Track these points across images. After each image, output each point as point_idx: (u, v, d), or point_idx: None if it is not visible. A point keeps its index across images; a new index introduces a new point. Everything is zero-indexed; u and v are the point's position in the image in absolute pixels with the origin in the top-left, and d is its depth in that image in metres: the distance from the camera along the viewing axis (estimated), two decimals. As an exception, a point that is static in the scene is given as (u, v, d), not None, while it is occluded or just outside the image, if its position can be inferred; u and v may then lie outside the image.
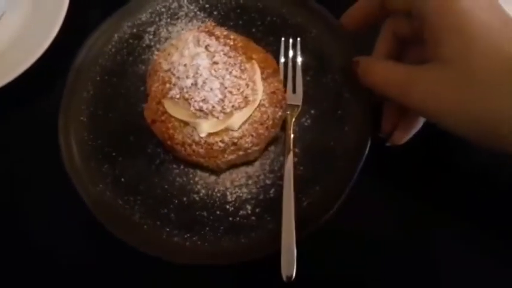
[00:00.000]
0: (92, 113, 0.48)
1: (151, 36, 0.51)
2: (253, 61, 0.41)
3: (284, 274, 0.37)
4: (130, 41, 0.51)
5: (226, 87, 0.38)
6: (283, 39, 0.49)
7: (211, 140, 0.41)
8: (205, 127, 0.40)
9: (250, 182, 0.45)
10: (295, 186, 0.42)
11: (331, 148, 0.46)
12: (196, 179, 0.45)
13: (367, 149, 0.44)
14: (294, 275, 0.37)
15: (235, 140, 0.41)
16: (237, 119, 0.40)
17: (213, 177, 0.45)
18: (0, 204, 0.47)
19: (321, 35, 0.49)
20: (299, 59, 0.49)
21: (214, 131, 0.40)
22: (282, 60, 0.49)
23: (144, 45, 0.51)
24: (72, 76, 0.48)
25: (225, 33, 0.41)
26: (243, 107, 0.39)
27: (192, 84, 0.38)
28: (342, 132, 0.46)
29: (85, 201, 0.43)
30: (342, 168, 0.45)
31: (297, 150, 0.46)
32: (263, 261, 0.39)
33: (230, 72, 0.38)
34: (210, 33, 0.40)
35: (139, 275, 0.44)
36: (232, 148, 0.42)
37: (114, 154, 0.46)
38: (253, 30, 0.51)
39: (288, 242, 0.38)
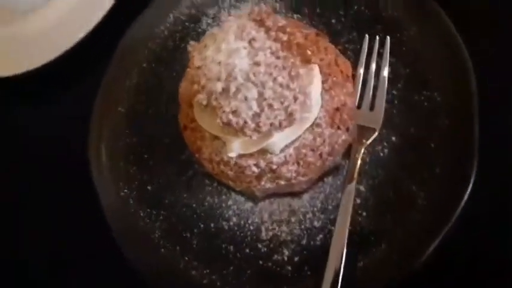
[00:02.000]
0: (132, 106, 0.42)
1: (209, 20, 0.43)
2: (313, 65, 0.30)
3: None
4: (187, 23, 0.44)
5: (265, 99, 0.28)
6: (367, 36, 0.37)
7: (242, 162, 0.32)
8: (236, 146, 0.31)
9: (293, 219, 0.36)
10: (351, 239, 0.32)
11: (411, 194, 0.33)
12: (230, 202, 0.37)
13: (462, 204, 0.31)
14: None
15: (274, 167, 0.32)
16: (278, 141, 0.30)
17: (249, 204, 0.37)
18: (17, 189, 0.45)
19: (421, 36, 0.36)
20: (386, 67, 0.36)
21: (246, 152, 0.31)
22: (362, 65, 0.37)
23: (199, 29, 0.43)
24: (117, 60, 0.42)
25: (280, 24, 0.31)
26: (286, 127, 0.29)
27: (222, 89, 0.29)
28: (431, 174, 0.33)
29: (103, 205, 0.37)
30: (422, 224, 0.32)
31: (362, 188, 0.35)
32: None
33: (274, 79, 0.28)
34: (261, 23, 0.31)
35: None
36: (269, 175, 0.32)
37: (145, 156, 0.40)
38: (333, 21, 0.40)
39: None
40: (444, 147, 0.34)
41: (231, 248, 0.36)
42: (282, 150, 0.32)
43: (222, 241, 0.36)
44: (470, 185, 0.32)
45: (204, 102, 0.30)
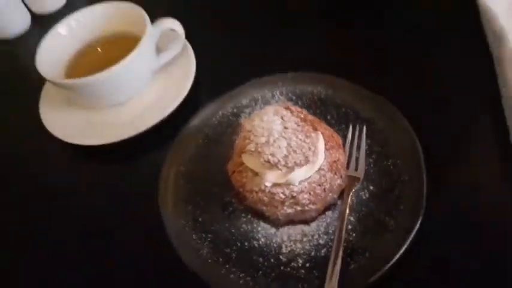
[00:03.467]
0: (190, 166, 0.60)
1: (246, 115, 0.64)
2: (318, 132, 0.50)
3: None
4: (231, 117, 0.64)
5: (291, 147, 0.47)
6: (351, 125, 0.58)
7: (274, 190, 0.49)
8: (271, 177, 0.48)
9: (305, 239, 0.51)
10: (346, 250, 0.48)
11: (384, 222, 0.50)
12: (259, 228, 0.52)
13: (417, 227, 0.47)
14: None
15: (294, 194, 0.48)
16: (297, 175, 0.48)
17: (273, 230, 0.52)
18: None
19: (386, 127, 0.57)
20: (364, 143, 0.56)
21: (277, 181, 0.48)
22: (349, 140, 0.57)
23: (240, 121, 0.64)
24: (180, 137, 0.62)
25: (299, 109, 0.51)
26: (303, 165, 0.47)
27: (265, 141, 0.47)
28: (397, 211, 0.50)
29: (168, 234, 0.52)
30: (392, 241, 0.48)
31: (351, 218, 0.51)
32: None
33: (297, 136, 0.47)
34: (287, 109, 0.51)
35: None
36: (291, 201, 0.49)
37: (198, 199, 0.56)
38: (328, 117, 0.60)
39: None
40: (404, 194, 0.51)
41: (260, 259, 0.50)
42: (299, 183, 0.49)
43: (253, 254, 0.50)
44: (421, 217, 0.48)
45: (253, 149, 0.48)
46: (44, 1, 0.95)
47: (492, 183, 0.53)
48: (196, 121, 0.63)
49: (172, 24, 0.66)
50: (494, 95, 0.60)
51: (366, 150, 0.56)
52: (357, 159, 0.55)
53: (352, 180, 0.53)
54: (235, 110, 0.65)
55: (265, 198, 0.49)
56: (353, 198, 0.52)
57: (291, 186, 0.49)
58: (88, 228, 0.59)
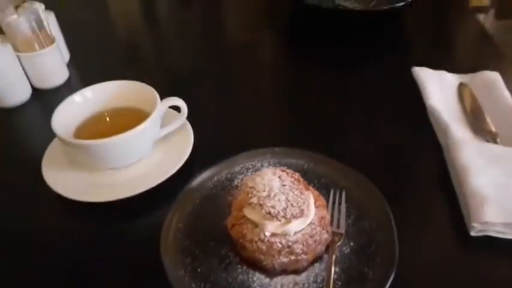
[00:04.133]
0: (189, 222, 0.66)
1: (239, 180, 0.73)
2: (309, 191, 0.59)
3: None
4: (225, 182, 0.72)
5: (289, 201, 0.55)
6: (332, 191, 0.68)
7: (272, 239, 0.56)
8: (270, 227, 0.55)
9: (296, 287, 0.56)
10: None
11: (364, 272, 0.57)
12: (255, 278, 0.58)
13: (392, 277, 0.55)
14: None
15: (290, 243, 0.56)
16: (293, 226, 0.56)
17: (267, 279, 0.58)
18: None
19: (362, 197, 0.67)
20: (344, 205, 0.66)
21: (276, 231, 0.56)
22: (331, 203, 0.66)
23: (233, 185, 0.72)
24: (179, 199, 0.68)
25: (293, 172, 0.61)
26: (299, 217, 0.55)
27: (266, 195, 0.56)
28: (374, 262, 0.58)
29: (170, 280, 0.57)
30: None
31: (337, 269, 0.58)
32: None
33: (293, 192, 0.56)
34: (283, 171, 0.61)
35: None
36: (286, 250, 0.56)
37: (197, 251, 0.62)
38: (311, 185, 0.70)
39: None
40: (380, 249, 0.60)
41: (256, 307, 0.55)
42: (294, 234, 0.56)
43: (250, 303, 0.55)
44: (395, 268, 0.57)
45: (255, 202, 0.56)
46: (44, 77, 1.03)
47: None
48: (194, 184, 0.71)
49: (178, 102, 0.77)
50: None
51: (345, 212, 0.65)
52: (338, 219, 0.64)
53: (335, 235, 0.61)
54: (229, 176, 0.73)
55: (263, 247, 0.56)
56: (337, 252, 0.60)
57: (287, 237, 0.56)
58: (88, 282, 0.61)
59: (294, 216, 0.55)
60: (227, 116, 0.93)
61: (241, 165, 0.75)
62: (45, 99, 1.02)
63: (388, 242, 0.60)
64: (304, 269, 0.58)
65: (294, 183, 0.58)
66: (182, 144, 0.76)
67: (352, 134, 0.86)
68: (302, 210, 0.55)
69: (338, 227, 0.63)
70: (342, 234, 0.62)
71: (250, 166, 0.75)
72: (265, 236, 0.56)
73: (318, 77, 1.04)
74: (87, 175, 0.73)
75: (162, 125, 0.77)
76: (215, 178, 0.73)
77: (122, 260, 0.63)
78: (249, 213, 0.58)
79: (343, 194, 0.68)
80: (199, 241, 0.63)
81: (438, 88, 0.91)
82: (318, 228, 0.58)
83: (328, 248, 0.60)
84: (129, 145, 0.70)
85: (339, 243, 0.61)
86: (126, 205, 0.69)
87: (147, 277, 0.60)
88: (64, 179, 0.72)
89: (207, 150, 0.81)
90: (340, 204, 0.66)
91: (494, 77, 0.91)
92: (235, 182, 0.73)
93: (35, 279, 0.62)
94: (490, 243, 0.63)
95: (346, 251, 0.60)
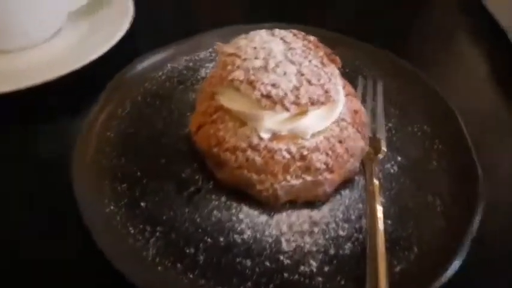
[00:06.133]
0: (122, 131, 0.39)
1: (208, 71, 0.46)
2: (333, 64, 0.33)
3: None
4: (184, 72, 0.46)
5: (303, 74, 0.29)
6: (360, 78, 0.43)
7: (273, 145, 0.30)
8: (270, 122, 0.30)
9: (316, 229, 0.32)
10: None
11: (429, 203, 0.34)
12: (241, 216, 0.33)
13: (481, 207, 0.32)
14: None
15: (305, 152, 0.30)
16: (312, 121, 0.30)
17: (263, 218, 0.33)
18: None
19: (404, 88, 0.43)
20: (381, 100, 0.41)
21: (280, 131, 0.30)
22: (359, 97, 0.41)
23: (199, 76, 0.45)
24: (108, 91, 0.41)
25: (304, 34, 0.35)
26: (322, 104, 0.29)
27: (261, 66, 0.29)
28: (443, 186, 0.35)
29: (86, 223, 0.30)
30: (447, 229, 0.32)
31: (381, 199, 0.34)
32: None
33: (309, 61, 0.30)
34: (293, 34, 0.34)
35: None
36: (299, 164, 0.31)
37: (138, 174, 0.35)
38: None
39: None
40: (446, 164, 0.36)
41: (247, 262, 0.30)
42: (312, 136, 0.31)
43: (234, 255, 0.30)
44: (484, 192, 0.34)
45: (241, 78, 0.30)
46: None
47: None
48: (132, 72, 0.43)
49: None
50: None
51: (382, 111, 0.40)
52: (374, 122, 0.39)
53: (373, 144, 0.37)
54: (191, 64, 0.46)
55: (257, 158, 0.30)
56: (379, 173, 0.35)
57: (300, 141, 0.31)
58: None
59: (314, 103, 0.29)
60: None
61: (210, 50, 0.48)
62: None
63: (458, 152, 0.36)
64: (327, 198, 0.33)
65: (309, 46, 0.32)
66: (116, 15, 0.47)
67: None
68: (327, 91, 0.30)
69: (375, 132, 0.38)
70: (381, 140, 0.37)
71: (226, 50, 0.48)
72: (260, 139, 0.30)
73: None
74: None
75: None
76: (168, 66, 0.46)
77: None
78: (229, 99, 0.31)
79: (380, 84, 0.42)
80: (143, 158, 0.37)
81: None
82: (351, 129, 0.33)
83: (363, 165, 0.36)
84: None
85: (381, 157, 0.36)
86: (28, 101, 0.41)
87: (56, 220, 0.33)
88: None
89: (156, 26, 0.53)
90: (375, 98, 0.41)
91: None
92: (203, 72, 0.46)
93: None
94: None
95: (392, 171, 0.37)
